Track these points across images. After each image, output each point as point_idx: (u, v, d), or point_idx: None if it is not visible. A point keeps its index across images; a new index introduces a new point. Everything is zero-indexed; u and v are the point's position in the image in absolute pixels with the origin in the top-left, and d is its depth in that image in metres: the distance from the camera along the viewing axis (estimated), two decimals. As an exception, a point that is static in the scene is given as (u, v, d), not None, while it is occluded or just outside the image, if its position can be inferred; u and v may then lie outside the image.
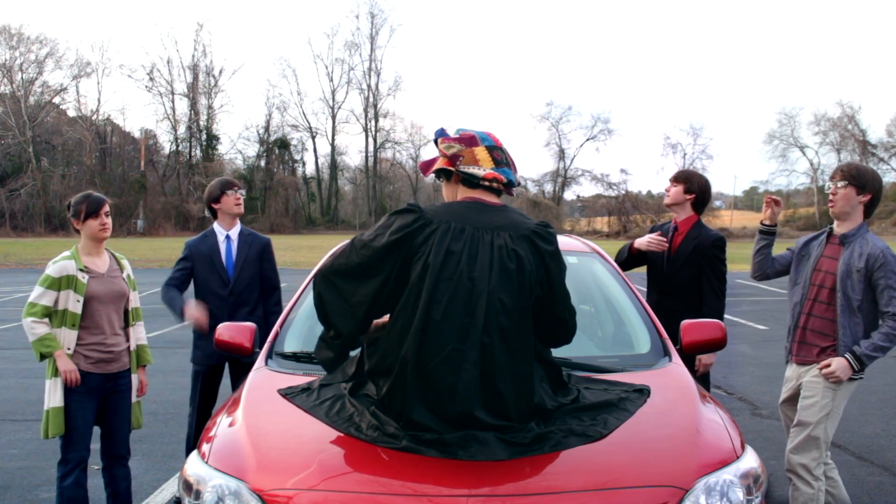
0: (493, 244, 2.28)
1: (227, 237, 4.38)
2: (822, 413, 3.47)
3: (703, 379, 4.21)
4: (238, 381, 4.35)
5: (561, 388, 2.53)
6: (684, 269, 4.21)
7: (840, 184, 3.47)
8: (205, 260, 4.30)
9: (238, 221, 4.46)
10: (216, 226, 4.41)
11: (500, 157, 2.44)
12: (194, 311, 4.10)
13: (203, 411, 4.40)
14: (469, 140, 2.44)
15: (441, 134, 2.49)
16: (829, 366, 3.44)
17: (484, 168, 2.41)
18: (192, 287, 4.39)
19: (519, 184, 2.55)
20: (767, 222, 3.86)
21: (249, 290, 4.36)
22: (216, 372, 4.39)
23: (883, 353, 3.41)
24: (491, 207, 2.40)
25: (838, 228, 3.55)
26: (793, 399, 3.70)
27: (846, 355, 3.41)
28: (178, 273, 4.35)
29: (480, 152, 2.42)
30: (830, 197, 3.53)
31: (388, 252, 2.28)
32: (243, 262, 4.34)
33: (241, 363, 4.27)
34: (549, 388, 2.44)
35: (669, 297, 4.21)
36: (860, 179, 3.46)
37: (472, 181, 2.42)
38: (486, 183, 2.40)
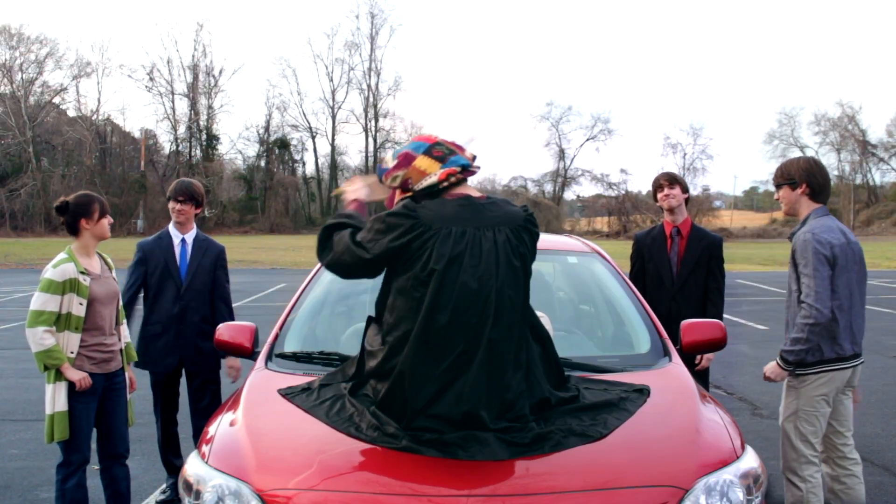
0: (497, 241, 2.29)
1: (183, 241, 4.27)
2: (788, 412, 3.43)
3: (702, 378, 4.21)
4: (194, 388, 4.34)
5: (561, 382, 2.53)
6: (696, 271, 4.23)
7: (777, 189, 3.52)
8: (159, 263, 4.18)
9: (194, 226, 4.35)
10: (171, 228, 4.30)
11: (440, 152, 2.41)
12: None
13: (167, 418, 4.40)
14: (406, 159, 2.42)
15: (381, 172, 2.50)
16: (769, 376, 3.46)
17: (434, 173, 2.38)
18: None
19: (471, 164, 2.45)
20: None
21: (200, 297, 4.26)
22: (174, 377, 4.37)
23: (803, 345, 3.28)
24: (482, 204, 2.38)
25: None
26: None
27: (777, 357, 3.41)
28: (135, 280, 4.19)
29: (422, 162, 2.40)
30: (781, 203, 3.58)
31: (384, 259, 2.31)
32: (196, 268, 4.25)
33: (194, 371, 4.29)
34: (547, 379, 2.45)
35: (682, 302, 4.21)
36: (788, 177, 3.47)
37: (436, 191, 2.38)
38: (446, 184, 2.38)
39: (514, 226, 2.35)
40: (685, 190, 4.35)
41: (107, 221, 3.62)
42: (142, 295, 4.31)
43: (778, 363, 3.40)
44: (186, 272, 4.23)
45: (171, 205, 4.27)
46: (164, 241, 4.27)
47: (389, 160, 2.48)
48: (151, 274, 4.20)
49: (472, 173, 2.46)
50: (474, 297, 2.22)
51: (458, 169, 2.38)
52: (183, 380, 4.42)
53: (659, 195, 4.35)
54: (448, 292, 2.22)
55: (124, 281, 4.20)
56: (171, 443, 4.45)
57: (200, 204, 4.34)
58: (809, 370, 3.37)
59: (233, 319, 4.31)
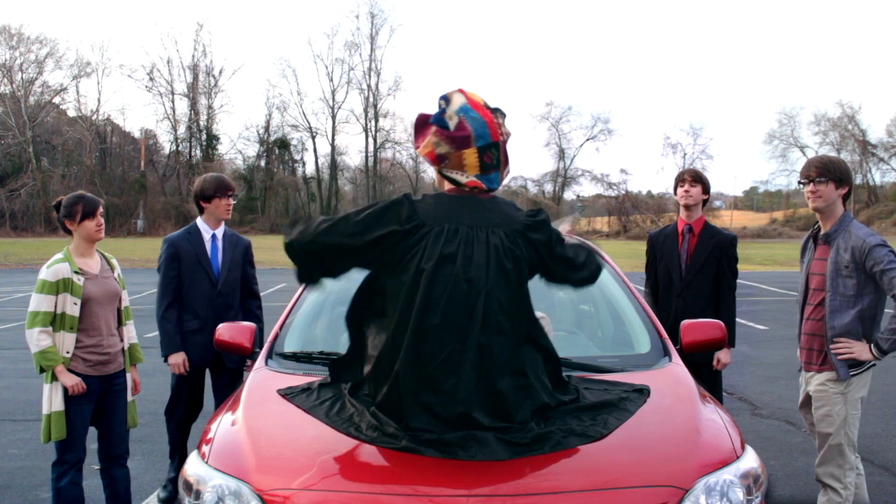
0: (489, 243, 2.28)
1: (214, 236, 4.26)
2: (840, 421, 3.43)
3: (714, 383, 4.22)
4: (219, 385, 4.33)
5: (560, 385, 2.53)
6: (704, 269, 4.24)
7: (820, 180, 3.42)
8: (191, 259, 4.16)
9: (223, 222, 4.34)
10: (201, 223, 4.26)
11: (490, 158, 2.34)
12: (179, 360, 4.13)
13: (190, 415, 4.38)
14: (461, 141, 2.31)
15: (438, 123, 2.34)
16: (850, 351, 3.36)
17: (468, 175, 2.34)
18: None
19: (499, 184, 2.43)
20: None
21: (234, 292, 4.30)
22: (199, 375, 4.35)
23: None
24: (482, 202, 2.37)
25: (823, 227, 3.51)
26: (806, 404, 3.69)
27: (870, 345, 3.35)
28: (173, 280, 4.17)
29: (469, 156, 2.32)
30: (810, 195, 3.47)
31: (372, 246, 2.28)
32: (230, 264, 4.26)
33: (222, 367, 4.27)
34: (548, 382, 2.44)
35: (689, 299, 4.22)
36: (837, 173, 3.42)
37: (455, 183, 2.38)
38: (468, 190, 2.37)
39: (510, 229, 2.33)
40: (706, 190, 4.36)
41: (92, 224, 3.56)
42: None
43: (871, 350, 3.35)
44: (220, 268, 4.24)
45: (219, 201, 4.20)
46: (194, 236, 4.25)
47: (452, 113, 2.33)
48: (184, 270, 4.18)
49: (470, 195, 2.38)
50: (464, 297, 2.22)
51: (485, 187, 2.35)
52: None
53: (679, 190, 4.37)
54: (439, 291, 2.22)
55: (158, 280, 4.21)
56: (184, 441, 4.39)
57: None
58: (859, 370, 3.41)
59: (261, 314, 4.38)
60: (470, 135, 2.31)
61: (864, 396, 3.50)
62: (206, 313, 4.17)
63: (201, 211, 4.29)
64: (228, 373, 4.31)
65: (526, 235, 2.35)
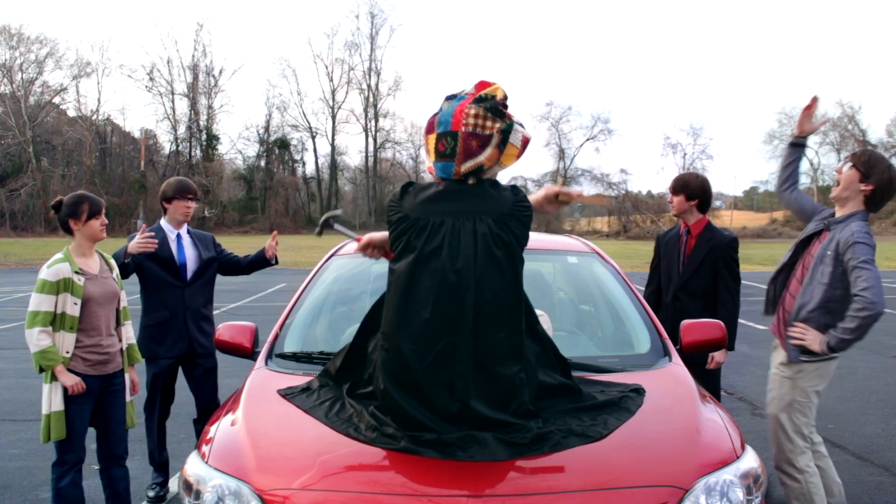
0: (476, 232, 2.27)
1: (178, 236, 4.32)
2: (782, 403, 3.44)
3: (713, 382, 4.22)
4: (197, 374, 4.37)
5: (560, 368, 2.53)
6: (700, 271, 4.24)
7: (847, 165, 3.36)
8: (154, 258, 4.18)
9: (185, 224, 4.40)
10: (164, 223, 4.35)
11: (444, 147, 2.34)
12: (134, 243, 3.97)
13: (164, 411, 4.41)
14: (428, 126, 2.41)
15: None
16: (802, 338, 3.30)
17: (430, 160, 2.41)
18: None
19: (479, 171, 2.36)
20: (798, 133, 3.70)
21: (207, 284, 4.41)
22: (175, 368, 4.38)
23: (853, 335, 3.17)
24: (466, 189, 2.37)
25: (837, 213, 3.45)
26: None
27: (826, 337, 3.27)
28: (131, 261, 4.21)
29: (430, 141, 2.39)
30: (836, 176, 3.42)
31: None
32: (205, 261, 4.35)
33: (194, 359, 4.32)
34: (544, 367, 2.45)
35: (685, 300, 4.23)
36: (867, 166, 3.33)
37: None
38: (432, 175, 2.43)
39: (498, 215, 2.31)
40: (692, 196, 4.29)
41: (97, 223, 3.58)
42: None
43: (823, 347, 3.25)
44: (189, 264, 4.30)
45: (179, 203, 4.32)
46: (157, 235, 4.27)
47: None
48: (149, 267, 4.21)
49: (456, 181, 2.36)
50: (453, 289, 2.22)
51: (436, 175, 2.39)
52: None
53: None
54: (427, 286, 2.22)
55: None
56: (162, 437, 4.44)
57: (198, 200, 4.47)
58: (812, 358, 3.36)
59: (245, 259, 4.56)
60: (433, 122, 2.39)
61: (820, 391, 3.44)
62: (175, 305, 4.24)
63: (165, 212, 4.40)
64: (202, 365, 4.35)
65: (516, 216, 2.34)
